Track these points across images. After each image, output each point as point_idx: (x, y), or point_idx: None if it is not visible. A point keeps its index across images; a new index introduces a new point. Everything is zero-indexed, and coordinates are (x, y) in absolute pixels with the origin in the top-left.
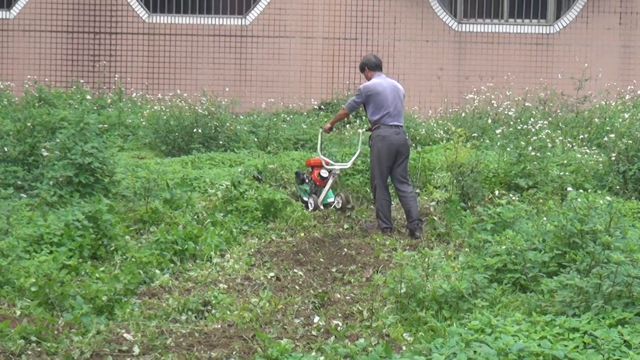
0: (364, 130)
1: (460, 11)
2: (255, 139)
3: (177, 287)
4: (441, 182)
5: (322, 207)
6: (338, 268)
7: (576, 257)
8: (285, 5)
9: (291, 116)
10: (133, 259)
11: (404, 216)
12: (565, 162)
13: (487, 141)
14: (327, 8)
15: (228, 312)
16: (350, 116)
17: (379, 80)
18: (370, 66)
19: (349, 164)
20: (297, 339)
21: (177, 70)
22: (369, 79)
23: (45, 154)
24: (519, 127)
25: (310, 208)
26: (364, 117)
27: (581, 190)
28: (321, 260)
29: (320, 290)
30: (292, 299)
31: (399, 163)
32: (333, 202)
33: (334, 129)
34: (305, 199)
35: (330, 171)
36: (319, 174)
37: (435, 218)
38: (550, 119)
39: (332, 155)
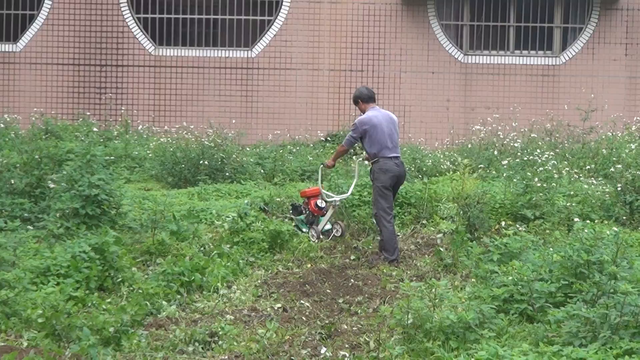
0: (361, 160)
1: (466, 43)
2: (262, 171)
3: (183, 319)
4: (447, 213)
5: (321, 236)
6: (345, 299)
7: (583, 287)
8: (291, 37)
9: (297, 148)
10: (140, 291)
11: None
12: (571, 192)
13: (494, 172)
14: (333, 40)
15: (235, 343)
16: (356, 147)
17: (374, 113)
18: (364, 99)
19: (348, 194)
20: None
21: (183, 103)
22: (363, 111)
23: (52, 186)
24: (525, 158)
25: (314, 239)
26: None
27: (588, 221)
28: (328, 291)
29: (327, 321)
30: (299, 330)
31: (395, 190)
32: (332, 231)
33: (340, 160)
34: (305, 230)
35: (329, 202)
36: (316, 203)
37: (441, 249)
38: (556, 150)
39: (339, 187)
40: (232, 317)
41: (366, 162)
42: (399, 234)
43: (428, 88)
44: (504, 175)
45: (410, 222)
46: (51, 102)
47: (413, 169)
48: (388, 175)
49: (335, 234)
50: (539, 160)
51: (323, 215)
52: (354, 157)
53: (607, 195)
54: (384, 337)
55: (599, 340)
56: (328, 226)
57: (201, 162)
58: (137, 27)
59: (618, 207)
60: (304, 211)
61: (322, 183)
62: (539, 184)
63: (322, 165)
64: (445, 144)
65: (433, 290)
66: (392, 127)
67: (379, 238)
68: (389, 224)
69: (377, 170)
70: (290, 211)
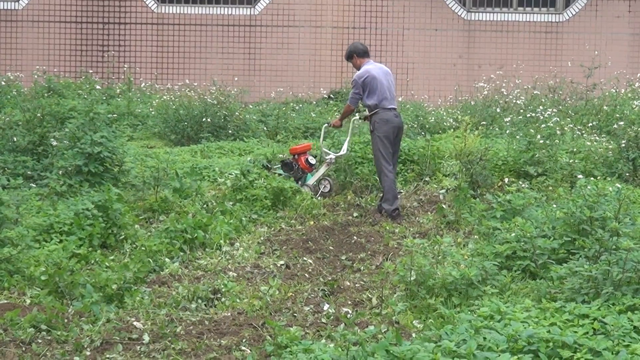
0: (356, 118)
1: (470, 0)
2: (265, 128)
3: (186, 276)
4: (450, 170)
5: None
6: (347, 256)
7: (585, 244)
8: None
9: (300, 105)
10: (143, 248)
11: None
12: (574, 149)
13: (497, 129)
14: None
15: (238, 300)
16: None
17: (370, 66)
18: (359, 53)
19: (343, 151)
20: (307, 327)
21: (186, 60)
22: (358, 66)
23: (54, 143)
24: (529, 115)
25: (312, 193)
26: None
27: (591, 178)
28: (331, 248)
29: (329, 278)
30: (301, 287)
31: (396, 145)
32: (320, 187)
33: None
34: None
35: (327, 160)
36: (307, 160)
37: (444, 206)
38: (559, 106)
39: (341, 144)
40: (235, 274)
41: (362, 121)
42: (401, 191)
43: (431, 45)
44: (507, 132)
45: (412, 179)
46: (54, 59)
47: (416, 126)
48: (389, 126)
49: (323, 190)
50: (542, 117)
51: (312, 172)
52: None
53: (610, 152)
54: (386, 293)
55: (601, 296)
56: (315, 183)
57: (204, 119)
58: None
59: (621, 164)
60: (293, 167)
61: (323, 141)
62: (541, 141)
63: (326, 124)
64: (448, 101)
65: (436, 247)
66: (389, 79)
67: (381, 195)
68: (390, 173)
69: (377, 120)
70: (278, 166)
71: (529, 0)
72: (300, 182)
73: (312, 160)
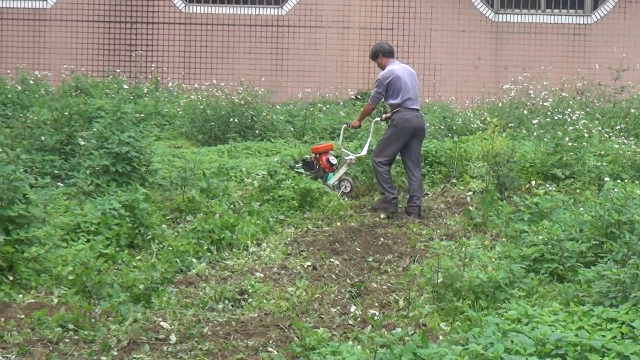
0: (378, 119)
1: (497, 1)
2: (292, 129)
3: (213, 276)
4: (477, 172)
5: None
6: (374, 257)
7: (613, 247)
8: None
9: (327, 106)
10: (170, 248)
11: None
12: (602, 152)
13: (524, 131)
14: None
15: (265, 301)
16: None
17: (395, 67)
18: (385, 53)
19: (363, 152)
20: (334, 328)
21: (213, 60)
22: (382, 66)
23: (82, 143)
24: (556, 118)
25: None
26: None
27: (618, 181)
28: (357, 249)
29: (356, 280)
30: (328, 288)
31: (414, 145)
32: (341, 187)
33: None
34: None
35: (346, 160)
36: (328, 160)
37: (471, 208)
38: (587, 109)
39: (370, 145)
40: (262, 275)
41: (383, 123)
42: (429, 192)
43: (459, 47)
44: (535, 134)
45: (440, 181)
46: (81, 59)
47: (443, 127)
48: (408, 125)
49: (344, 190)
50: (570, 120)
51: (333, 171)
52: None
53: (638, 155)
54: (413, 295)
55: (629, 300)
56: (336, 183)
57: (231, 119)
58: None
59: None
60: (314, 166)
61: (342, 142)
62: (569, 143)
63: (345, 125)
64: (475, 102)
65: (463, 249)
66: (413, 80)
67: (407, 196)
68: (384, 166)
69: (397, 118)
70: (301, 166)
71: (557, 2)
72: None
73: (334, 160)
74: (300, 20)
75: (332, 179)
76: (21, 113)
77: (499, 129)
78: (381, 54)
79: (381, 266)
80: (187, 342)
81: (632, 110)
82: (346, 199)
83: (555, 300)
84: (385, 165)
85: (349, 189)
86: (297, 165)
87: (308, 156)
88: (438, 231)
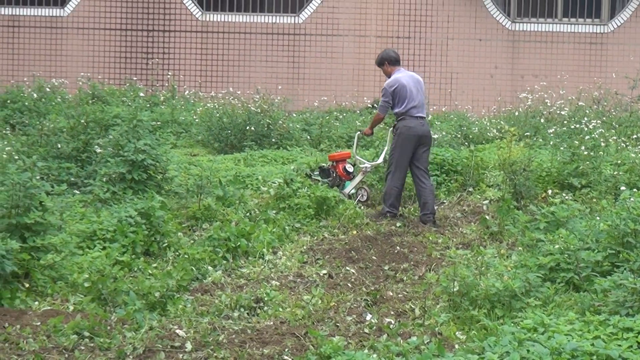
0: (392, 129)
1: (514, 10)
2: (308, 137)
3: (229, 284)
4: (494, 181)
5: (347, 198)
6: (390, 266)
7: (630, 256)
8: (338, 3)
9: (344, 114)
10: (186, 256)
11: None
12: (618, 161)
13: (540, 140)
14: (380, 7)
15: (280, 309)
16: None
17: (400, 75)
18: (391, 61)
19: (379, 160)
20: (350, 337)
21: (230, 68)
22: (388, 74)
23: (98, 150)
24: (572, 127)
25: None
26: None
27: (635, 190)
28: (373, 258)
29: (372, 288)
30: (344, 297)
31: (421, 153)
32: (357, 195)
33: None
34: None
35: (362, 168)
36: (344, 168)
37: (488, 217)
38: (604, 118)
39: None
40: (278, 283)
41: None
42: (445, 201)
43: (475, 55)
44: (551, 143)
45: (456, 189)
46: (98, 66)
47: (459, 136)
48: (412, 133)
49: (360, 199)
50: (586, 129)
51: (350, 179)
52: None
53: None
54: (429, 304)
55: None
56: (353, 190)
57: (247, 127)
58: None
59: None
60: (331, 174)
61: (356, 149)
62: (585, 153)
63: (358, 132)
64: (492, 111)
65: (479, 258)
66: (418, 87)
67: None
68: (398, 180)
69: (401, 127)
70: (317, 173)
71: (573, 11)
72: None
73: (350, 168)
74: (317, 29)
75: (348, 187)
76: (38, 121)
77: (516, 138)
78: (387, 61)
79: (397, 275)
80: (202, 350)
81: None
82: (362, 207)
83: (571, 310)
84: (399, 186)
85: (365, 197)
86: (315, 173)
87: (325, 164)
88: (454, 240)
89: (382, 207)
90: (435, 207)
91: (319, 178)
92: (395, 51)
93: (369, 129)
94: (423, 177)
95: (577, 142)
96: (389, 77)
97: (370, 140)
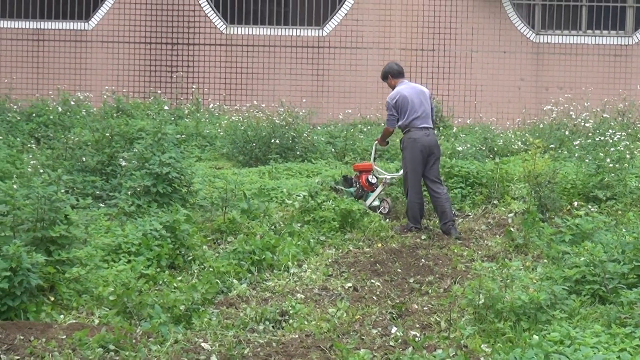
0: None
1: (538, 22)
2: (333, 150)
3: (254, 297)
4: (519, 193)
5: (369, 210)
6: (416, 279)
7: None
8: (362, 16)
9: (368, 127)
10: (211, 269)
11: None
12: None
13: (565, 153)
14: (405, 19)
15: (305, 322)
16: None
17: (403, 87)
18: (393, 74)
19: (400, 173)
20: (375, 350)
21: (254, 81)
22: (392, 86)
23: (123, 164)
24: (597, 139)
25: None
26: None
27: None
28: (399, 270)
29: (397, 301)
30: (369, 310)
31: (432, 164)
32: (379, 207)
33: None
34: None
35: (380, 179)
36: (367, 179)
37: (513, 229)
38: (628, 130)
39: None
40: (303, 296)
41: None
42: (469, 213)
43: (500, 67)
44: (576, 155)
45: (481, 202)
46: (123, 80)
47: (484, 148)
48: (417, 145)
49: (382, 211)
50: (611, 141)
51: (373, 191)
52: None
53: None
54: (455, 317)
55: None
56: (376, 202)
57: (272, 140)
58: (208, 6)
59: None
60: (354, 185)
61: (374, 160)
62: (610, 165)
63: (376, 142)
64: (516, 123)
65: (504, 270)
66: (422, 98)
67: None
68: (416, 194)
69: (406, 139)
70: (340, 182)
71: (597, 23)
72: (358, 200)
73: (373, 180)
74: (341, 42)
75: (370, 199)
76: (63, 134)
77: (541, 150)
78: (390, 75)
79: (422, 287)
80: None
81: None
82: (387, 220)
83: (597, 322)
84: (419, 200)
85: (387, 209)
86: (339, 187)
87: (348, 174)
88: (479, 252)
89: (407, 222)
90: (454, 213)
91: (342, 187)
92: (397, 64)
93: (381, 140)
94: (436, 187)
95: (602, 154)
96: (393, 89)
97: (392, 152)
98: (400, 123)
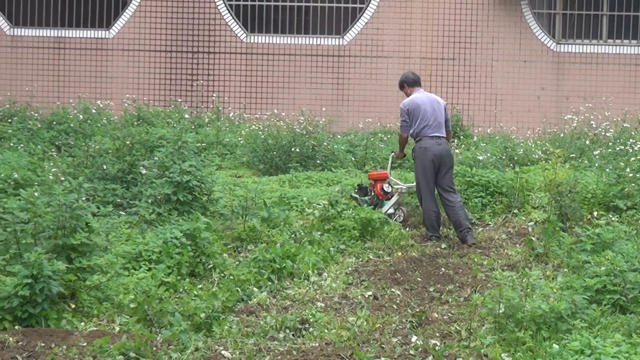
0: None
1: (559, 32)
2: (353, 158)
3: (274, 305)
4: (539, 203)
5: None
6: (436, 287)
7: None
8: (382, 25)
9: (388, 136)
10: (231, 277)
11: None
12: None
13: (586, 162)
14: (425, 28)
15: (326, 331)
16: None
17: (417, 95)
18: (409, 83)
19: (414, 183)
20: (395, 358)
21: (274, 90)
22: (408, 95)
23: (143, 172)
24: (618, 148)
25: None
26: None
27: None
28: (418, 279)
29: (417, 310)
30: (389, 318)
31: (444, 173)
32: (394, 215)
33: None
34: None
35: (396, 188)
36: (382, 188)
37: (533, 238)
38: None
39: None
40: (323, 305)
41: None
42: (490, 223)
43: (520, 77)
44: (596, 165)
45: (501, 211)
46: (143, 88)
47: (504, 157)
48: (428, 154)
49: (397, 220)
50: (632, 150)
51: (388, 199)
52: None
53: None
54: (475, 326)
55: None
56: (391, 210)
57: (292, 149)
58: (229, 14)
59: None
60: (369, 193)
61: (390, 170)
62: (631, 174)
63: (392, 154)
64: (537, 133)
65: (524, 279)
66: (435, 107)
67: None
68: (430, 202)
69: (417, 148)
70: (356, 190)
71: (618, 32)
72: (373, 208)
73: (388, 189)
74: (362, 50)
75: (385, 207)
76: (83, 142)
77: (562, 160)
78: (406, 83)
79: (442, 296)
80: None
81: None
82: (407, 229)
83: (618, 332)
84: (435, 209)
85: (402, 218)
86: (355, 191)
87: (363, 183)
88: (499, 261)
89: (425, 232)
90: (471, 220)
91: (357, 196)
92: (414, 73)
93: (399, 152)
94: (449, 196)
95: (622, 164)
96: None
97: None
98: (411, 131)
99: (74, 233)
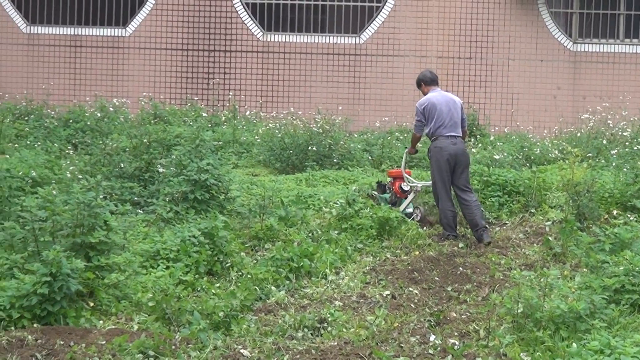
0: None
1: (576, 31)
2: (369, 157)
3: (292, 304)
4: (556, 202)
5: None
6: (453, 287)
7: None
8: (399, 24)
9: (405, 134)
10: (249, 276)
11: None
12: None
13: (603, 161)
14: (442, 27)
15: (344, 330)
16: None
17: (434, 94)
18: (426, 81)
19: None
20: (414, 358)
21: (291, 88)
22: (425, 94)
23: (161, 170)
24: (635, 148)
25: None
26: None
27: None
28: (436, 278)
29: (436, 309)
30: (407, 317)
31: (460, 172)
32: (412, 214)
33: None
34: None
35: (412, 187)
36: (400, 186)
37: (550, 238)
38: None
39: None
40: (341, 304)
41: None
42: (507, 222)
43: (537, 76)
44: (613, 164)
45: (518, 210)
46: (160, 86)
47: (521, 157)
48: (444, 153)
49: (415, 218)
50: None
51: (406, 198)
52: None
53: None
54: (493, 325)
55: None
56: (409, 209)
57: (309, 148)
58: (245, 13)
59: None
60: (388, 191)
61: (405, 168)
62: None
63: (406, 150)
64: (553, 132)
65: (543, 279)
66: (451, 107)
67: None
68: (446, 202)
69: (432, 148)
70: (375, 187)
71: (635, 32)
72: (392, 206)
73: (406, 187)
74: (378, 49)
75: (402, 206)
76: (100, 140)
77: (579, 159)
78: (423, 82)
79: (460, 295)
80: None
81: None
82: (425, 228)
83: (636, 332)
84: (451, 208)
85: (418, 217)
86: (374, 192)
87: (382, 180)
88: (517, 261)
89: (443, 231)
90: (488, 219)
91: (376, 193)
92: (432, 72)
93: (411, 148)
94: (465, 195)
95: None
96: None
97: (422, 158)
98: (427, 130)
99: (92, 231)
